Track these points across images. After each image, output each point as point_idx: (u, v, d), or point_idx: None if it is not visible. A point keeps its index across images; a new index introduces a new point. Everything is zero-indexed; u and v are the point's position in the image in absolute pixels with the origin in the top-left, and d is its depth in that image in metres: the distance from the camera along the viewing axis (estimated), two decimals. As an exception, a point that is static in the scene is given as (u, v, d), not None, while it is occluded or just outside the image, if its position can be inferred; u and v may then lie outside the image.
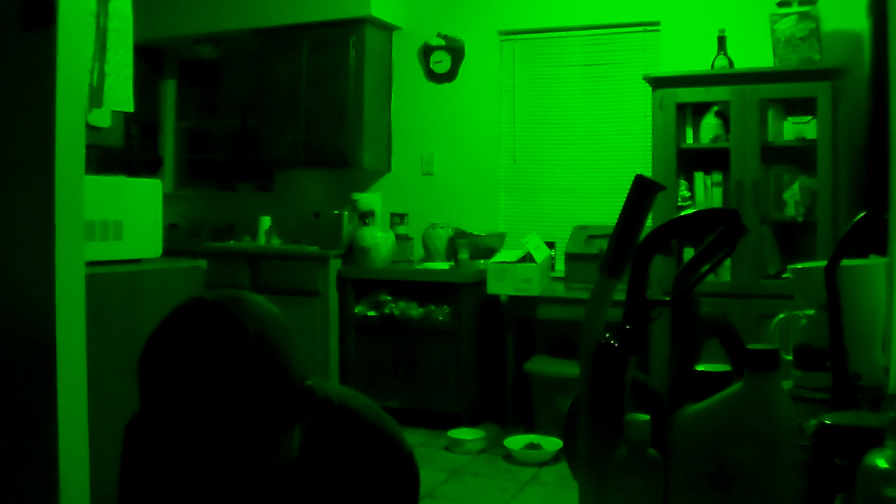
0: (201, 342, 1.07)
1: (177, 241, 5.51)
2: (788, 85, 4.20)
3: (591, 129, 5.15)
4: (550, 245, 4.99)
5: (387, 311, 4.98)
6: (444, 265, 5.08)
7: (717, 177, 4.43)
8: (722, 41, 4.51)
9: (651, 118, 4.49)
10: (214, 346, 1.07)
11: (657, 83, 4.46)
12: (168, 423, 1.07)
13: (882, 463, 0.88)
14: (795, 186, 4.26)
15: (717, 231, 1.27)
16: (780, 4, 4.30)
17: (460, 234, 5.13)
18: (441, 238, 5.20)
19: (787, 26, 4.24)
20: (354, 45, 5.33)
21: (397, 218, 5.45)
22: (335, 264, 5.15)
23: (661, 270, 3.76)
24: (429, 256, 5.25)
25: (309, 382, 1.15)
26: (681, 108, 4.45)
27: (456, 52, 5.42)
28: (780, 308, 1.79)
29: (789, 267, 1.77)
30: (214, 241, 5.82)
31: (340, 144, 5.36)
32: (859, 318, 1.53)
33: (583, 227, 4.81)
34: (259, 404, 1.08)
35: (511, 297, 4.73)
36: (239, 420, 1.06)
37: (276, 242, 5.64)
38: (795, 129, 4.26)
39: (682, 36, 4.84)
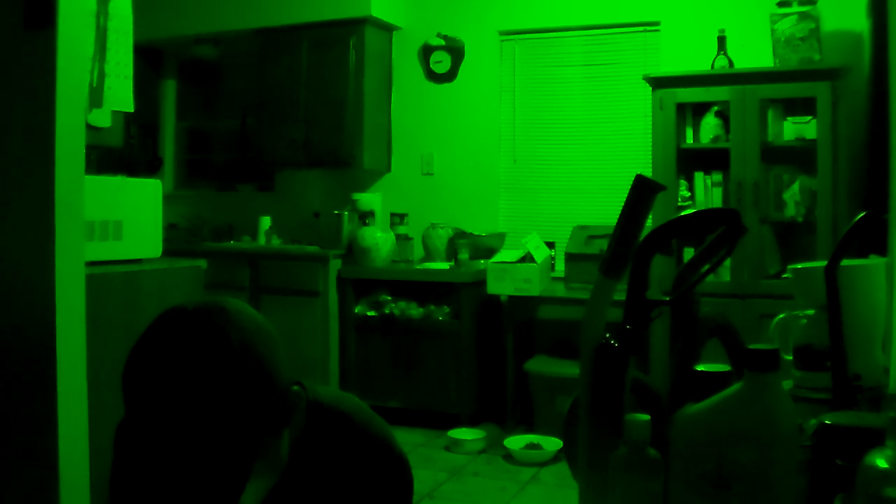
0: (184, 352, 1.07)
1: (177, 241, 5.50)
2: (788, 85, 4.20)
3: (591, 129, 5.15)
4: (550, 245, 4.98)
5: (387, 311, 4.98)
6: (444, 265, 5.07)
7: (717, 177, 4.43)
8: (722, 41, 4.51)
9: (651, 118, 4.49)
10: (197, 355, 1.07)
11: (657, 83, 4.46)
12: (154, 432, 1.07)
13: (882, 463, 0.88)
14: (795, 186, 4.26)
15: (717, 231, 1.27)
16: (780, 4, 4.30)
17: (460, 234, 5.13)
18: (441, 238, 5.20)
19: (787, 26, 4.24)
20: (354, 45, 5.33)
21: (397, 218, 5.44)
22: (335, 264, 5.15)
23: (661, 270, 3.75)
24: (429, 256, 5.24)
25: (296, 387, 1.15)
26: (681, 108, 4.45)
27: (456, 52, 5.42)
28: (780, 308, 1.79)
29: (789, 267, 1.77)
30: (214, 241, 5.81)
31: (340, 144, 5.36)
32: (859, 318, 1.53)
33: (583, 227, 4.81)
34: (244, 411, 1.08)
35: (511, 297, 4.73)
36: (225, 427, 1.06)
37: (276, 242, 5.64)
38: (795, 129, 4.26)
39: (682, 36, 4.84)
